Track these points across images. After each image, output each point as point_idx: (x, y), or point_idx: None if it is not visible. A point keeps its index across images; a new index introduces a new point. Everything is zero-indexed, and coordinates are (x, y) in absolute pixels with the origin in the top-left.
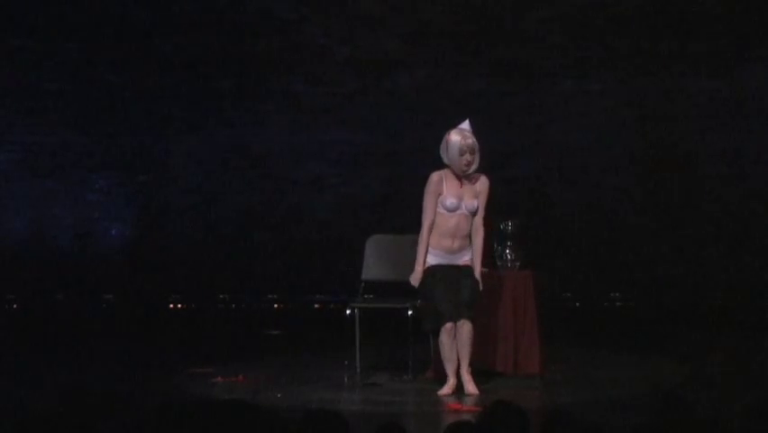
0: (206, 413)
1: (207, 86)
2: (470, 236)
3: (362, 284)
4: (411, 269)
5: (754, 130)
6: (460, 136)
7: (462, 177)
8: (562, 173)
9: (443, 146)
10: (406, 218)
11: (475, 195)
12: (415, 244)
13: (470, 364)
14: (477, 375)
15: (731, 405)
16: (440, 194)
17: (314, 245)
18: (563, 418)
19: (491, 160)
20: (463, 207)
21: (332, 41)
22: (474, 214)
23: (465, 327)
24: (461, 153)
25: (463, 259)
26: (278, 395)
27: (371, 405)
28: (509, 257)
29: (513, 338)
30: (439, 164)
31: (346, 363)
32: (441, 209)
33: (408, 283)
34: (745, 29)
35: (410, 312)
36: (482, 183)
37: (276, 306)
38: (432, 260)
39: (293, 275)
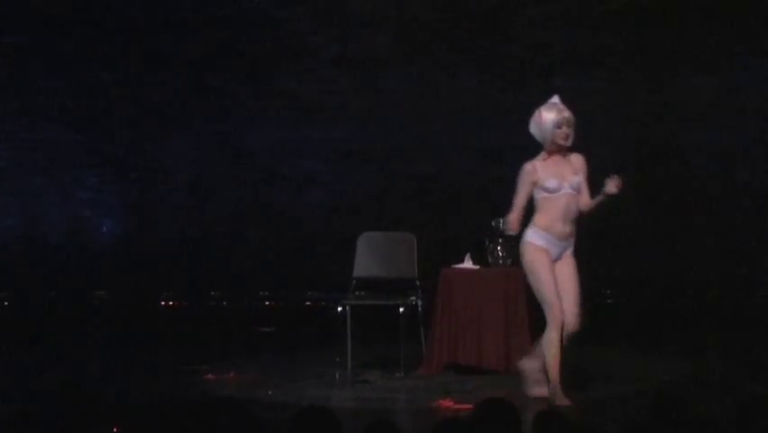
0: (197, 412)
1: (199, 83)
2: (578, 221)
3: (354, 281)
4: (402, 266)
5: (748, 126)
6: (555, 110)
7: (558, 154)
8: None
9: (533, 124)
10: (397, 216)
11: (574, 171)
12: (405, 241)
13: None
14: (468, 373)
15: (726, 403)
16: (535, 182)
17: (305, 243)
18: (555, 415)
19: (483, 157)
20: (567, 185)
21: (324, 39)
22: (579, 191)
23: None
24: (559, 126)
25: (568, 251)
26: (270, 392)
27: (363, 402)
28: (501, 254)
29: (504, 335)
30: (429, 163)
31: (338, 360)
32: (545, 194)
33: (400, 281)
34: (739, 25)
35: (401, 309)
36: (579, 160)
37: (267, 303)
38: (540, 241)
39: (285, 272)
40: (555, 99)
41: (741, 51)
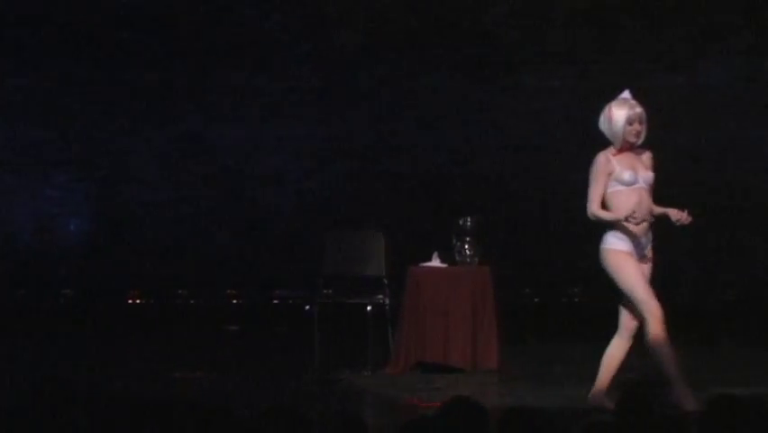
0: (163, 412)
1: (167, 80)
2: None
3: (321, 279)
4: (370, 264)
5: (714, 125)
6: (626, 106)
7: (628, 151)
8: (521, 169)
9: (603, 121)
10: (364, 214)
11: (647, 167)
12: (373, 240)
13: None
14: (435, 371)
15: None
16: (610, 173)
17: (273, 240)
18: (521, 414)
19: (452, 155)
20: (640, 179)
21: (292, 36)
22: (651, 188)
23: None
24: (630, 123)
25: (648, 248)
26: (237, 391)
27: (330, 401)
28: (468, 253)
29: (471, 334)
30: (397, 161)
31: (306, 358)
32: (619, 186)
33: (368, 279)
34: (705, 23)
35: (369, 307)
36: (649, 157)
37: (235, 301)
38: (621, 245)
39: (252, 270)
40: (626, 95)
41: (711, 49)
